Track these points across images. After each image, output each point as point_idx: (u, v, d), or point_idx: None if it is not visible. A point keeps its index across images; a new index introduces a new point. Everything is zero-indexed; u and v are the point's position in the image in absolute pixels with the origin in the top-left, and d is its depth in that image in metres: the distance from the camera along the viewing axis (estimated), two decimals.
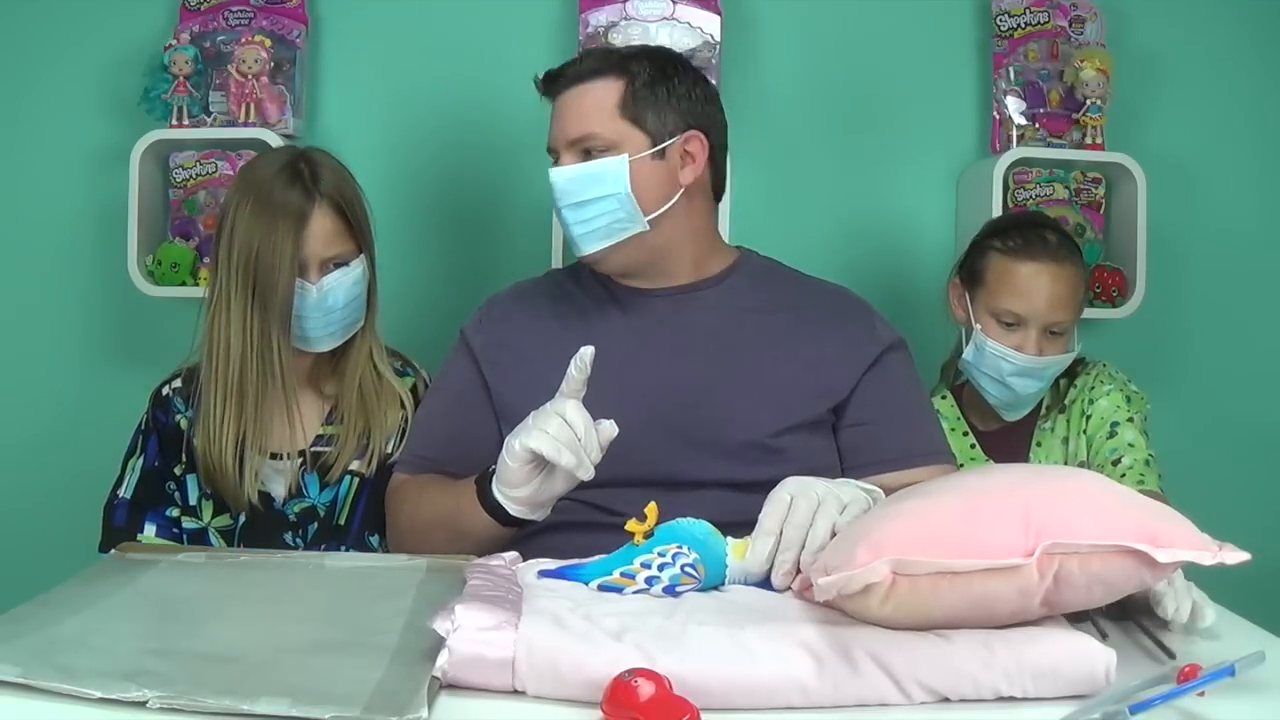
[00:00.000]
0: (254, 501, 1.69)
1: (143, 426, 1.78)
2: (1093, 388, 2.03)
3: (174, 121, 2.20)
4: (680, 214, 1.62)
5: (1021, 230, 2.02)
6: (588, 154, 1.59)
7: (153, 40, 2.26)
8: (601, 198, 1.57)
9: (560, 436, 1.28)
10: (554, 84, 1.63)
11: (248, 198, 1.66)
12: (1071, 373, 2.05)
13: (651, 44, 2.18)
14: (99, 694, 0.88)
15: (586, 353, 1.29)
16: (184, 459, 1.73)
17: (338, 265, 1.68)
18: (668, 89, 1.60)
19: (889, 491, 1.47)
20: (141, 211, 2.18)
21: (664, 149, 1.59)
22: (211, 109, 2.24)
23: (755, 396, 1.57)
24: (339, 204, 1.68)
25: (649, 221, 1.59)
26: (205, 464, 1.68)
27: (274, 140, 2.14)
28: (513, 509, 1.35)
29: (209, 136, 2.22)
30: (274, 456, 1.71)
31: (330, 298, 1.67)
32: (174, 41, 2.20)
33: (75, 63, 2.32)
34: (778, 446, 1.55)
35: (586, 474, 1.29)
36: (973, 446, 2.07)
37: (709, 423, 1.56)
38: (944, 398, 2.11)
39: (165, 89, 2.19)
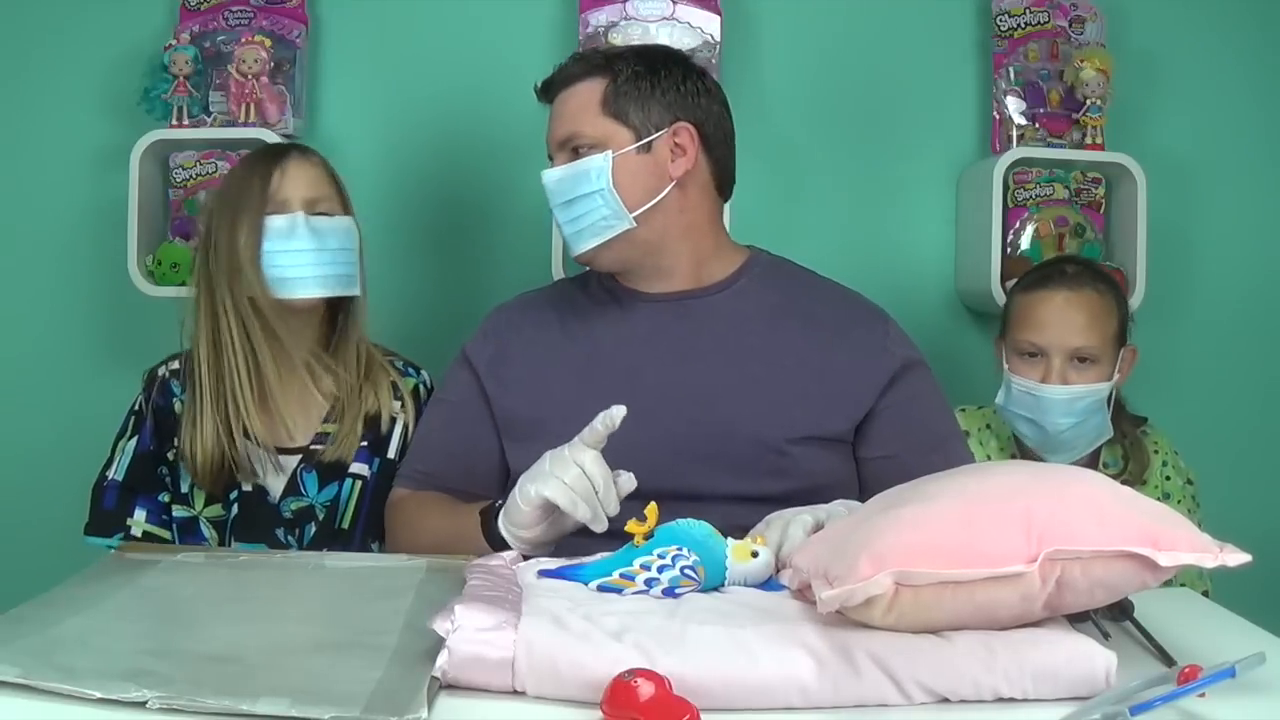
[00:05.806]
0: (245, 489, 1.66)
1: (136, 408, 1.75)
2: (1168, 478, 1.99)
3: (174, 121, 2.20)
4: (672, 209, 1.60)
5: (1042, 267, 2.02)
6: (576, 153, 1.59)
7: (153, 40, 2.26)
8: (587, 195, 1.57)
9: (577, 488, 1.27)
10: (549, 89, 1.64)
11: (225, 179, 1.74)
12: (1122, 429, 1.98)
13: (652, 43, 2.17)
14: (99, 694, 0.88)
15: (617, 412, 1.27)
16: (177, 445, 1.70)
17: (323, 215, 1.68)
18: (652, 83, 1.60)
19: None
20: (141, 211, 2.17)
21: (649, 143, 1.58)
22: (211, 109, 2.24)
23: (762, 407, 1.55)
24: (323, 164, 1.71)
25: (635, 218, 1.57)
26: (192, 453, 1.65)
27: (274, 140, 2.14)
28: (518, 547, 1.34)
29: (209, 136, 2.21)
30: (275, 451, 1.69)
31: (320, 234, 1.65)
32: (174, 41, 2.20)
33: (75, 63, 2.32)
34: (785, 459, 1.53)
35: (601, 527, 1.28)
36: None
37: (714, 434, 1.53)
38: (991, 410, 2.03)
39: (165, 89, 2.19)
